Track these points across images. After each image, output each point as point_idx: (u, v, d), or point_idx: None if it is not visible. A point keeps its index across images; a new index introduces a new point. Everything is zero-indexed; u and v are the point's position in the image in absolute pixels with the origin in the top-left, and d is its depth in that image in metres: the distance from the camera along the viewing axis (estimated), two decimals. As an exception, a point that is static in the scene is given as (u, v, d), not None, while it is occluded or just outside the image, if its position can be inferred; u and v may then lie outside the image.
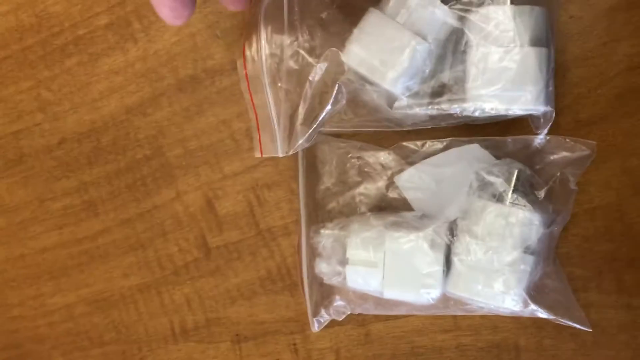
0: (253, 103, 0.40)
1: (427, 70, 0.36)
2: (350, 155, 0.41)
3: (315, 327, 0.43)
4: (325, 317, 0.42)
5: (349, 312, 0.42)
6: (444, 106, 0.36)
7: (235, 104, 0.43)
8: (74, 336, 0.48)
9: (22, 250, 0.48)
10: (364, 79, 0.36)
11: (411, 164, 0.40)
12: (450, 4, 0.35)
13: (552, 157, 0.37)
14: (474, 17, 0.34)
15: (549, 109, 0.36)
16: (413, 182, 0.40)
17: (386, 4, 0.35)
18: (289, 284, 0.44)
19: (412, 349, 0.43)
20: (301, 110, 0.38)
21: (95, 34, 0.44)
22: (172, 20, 0.32)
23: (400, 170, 0.40)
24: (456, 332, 0.42)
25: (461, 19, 0.35)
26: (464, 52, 0.35)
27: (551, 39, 0.36)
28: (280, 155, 0.39)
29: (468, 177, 0.37)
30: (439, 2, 0.35)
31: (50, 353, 0.49)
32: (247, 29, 0.39)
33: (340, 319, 0.42)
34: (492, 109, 0.34)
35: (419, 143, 0.40)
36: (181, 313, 0.46)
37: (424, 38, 0.35)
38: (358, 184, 0.41)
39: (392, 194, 0.40)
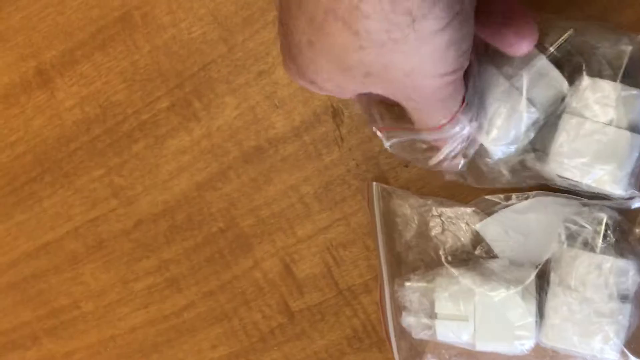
0: None
1: (527, 141, 0.35)
2: (432, 213, 0.41)
3: (409, 383, 0.42)
4: (417, 373, 0.42)
5: (441, 366, 0.41)
6: (528, 164, 0.35)
7: (300, 169, 0.43)
8: (171, 409, 0.49)
9: (112, 332, 0.49)
10: None
11: (494, 217, 0.39)
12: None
13: None
14: (581, 84, 0.34)
15: (629, 194, 0.35)
16: (497, 231, 0.39)
17: (509, 64, 0.34)
18: (376, 340, 0.44)
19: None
20: None
21: (158, 117, 0.45)
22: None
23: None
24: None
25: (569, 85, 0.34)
26: (559, 116, 0.35)
27: None
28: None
29: (554, 224, 0.37)
30: (558, 72, 0.34)
31: None
32: None
33: (432, 374, 0.42)
34: (570, 178, 0.34)
35: (502, 196, 0.39)
36: (272, 378, 0.47)
37: (533, 104, 0.34)
38: (441, 239, 0.41)
39: (477, 251, 0.40)
